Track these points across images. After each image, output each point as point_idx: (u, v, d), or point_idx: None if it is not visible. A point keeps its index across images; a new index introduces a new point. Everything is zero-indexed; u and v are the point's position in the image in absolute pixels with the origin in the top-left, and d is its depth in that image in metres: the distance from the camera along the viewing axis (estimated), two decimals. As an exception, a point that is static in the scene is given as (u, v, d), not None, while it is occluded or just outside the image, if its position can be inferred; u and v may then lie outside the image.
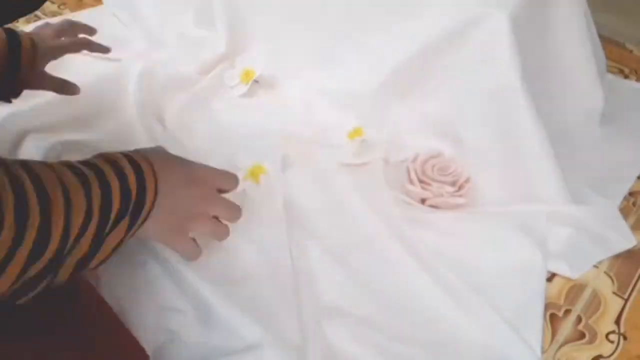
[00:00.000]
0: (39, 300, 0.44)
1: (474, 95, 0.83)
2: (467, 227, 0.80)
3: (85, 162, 0.50)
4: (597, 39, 0.96)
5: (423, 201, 0.84)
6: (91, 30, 0.85)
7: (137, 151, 0.56)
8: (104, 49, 0.85)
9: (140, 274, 0.70)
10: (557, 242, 0.79)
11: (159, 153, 0.59)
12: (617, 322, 0.75)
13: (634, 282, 0.79)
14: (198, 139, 0.90)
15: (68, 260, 0.44)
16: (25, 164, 0.40)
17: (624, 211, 0.87)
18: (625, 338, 0.73)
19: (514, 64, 0.79)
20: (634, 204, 0.89)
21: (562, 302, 0.76)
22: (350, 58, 0.88)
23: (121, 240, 0.51)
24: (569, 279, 0.78)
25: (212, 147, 0.88)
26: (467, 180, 0.84)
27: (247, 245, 0.73)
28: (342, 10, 0.91)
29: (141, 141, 0.85)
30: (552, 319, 0.74)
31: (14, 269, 0.37)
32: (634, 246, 0.82)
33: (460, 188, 0.84)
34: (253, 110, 0.96)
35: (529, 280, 0.75)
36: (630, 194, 0.90)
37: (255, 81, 0.99)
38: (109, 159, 0.52)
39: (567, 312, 0.75)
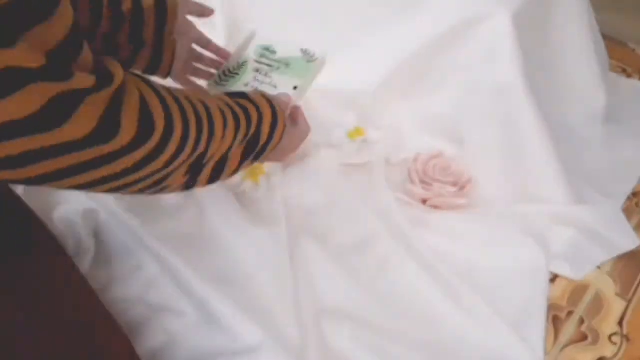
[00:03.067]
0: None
1: (476, 94, 0.83)
2: (469, 228, 0.79)
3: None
4: (600, 38, 0.96)
5: (424, 201, 0.83)
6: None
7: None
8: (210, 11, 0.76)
9: (140, 275, 0.70)
10: (560, 243, 0.79)
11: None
12: (620, 323, 0.74)
13: (636, 283, 0.79)
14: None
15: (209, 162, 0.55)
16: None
17: (627, 212, 0.86)
18: (628, 340, 0.73)
19: (516, 63, 0.79)
20: (637, 204, 0.88)
21: (564, 303, 0.76)
22: (351, 56, 0.86)
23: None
24: (571, 281, 0.78)
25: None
26: (468, 180, 0.84)
27: (247, 246, 0.72)
28: (343, 8, 0.91)
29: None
30: (555, 321, 0.74)
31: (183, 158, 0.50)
32: (637, 247, 0.81)
33: (461, 188, 0.83)
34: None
35: (532, 281, 0.75)
36: (634, 194, 0.90)
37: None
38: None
39: (570, 313, 0.75)
